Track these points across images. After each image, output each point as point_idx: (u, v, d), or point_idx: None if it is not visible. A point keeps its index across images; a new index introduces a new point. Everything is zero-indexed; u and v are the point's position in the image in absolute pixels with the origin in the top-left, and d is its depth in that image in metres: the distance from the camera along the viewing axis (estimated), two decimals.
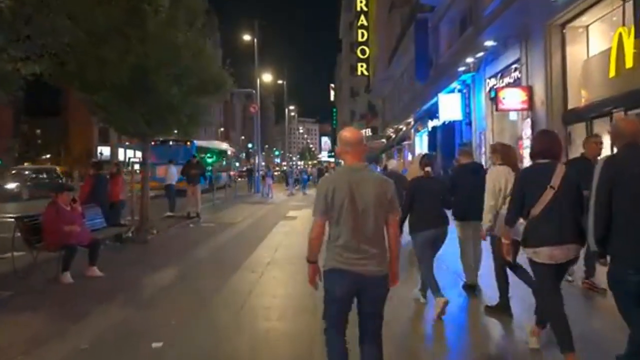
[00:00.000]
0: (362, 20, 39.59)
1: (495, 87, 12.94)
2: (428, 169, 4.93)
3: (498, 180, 4.48)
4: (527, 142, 11.05)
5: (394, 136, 33.42)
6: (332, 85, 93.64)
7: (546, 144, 3.56)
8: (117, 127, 9.01)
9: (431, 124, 21.29)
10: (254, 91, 26.26)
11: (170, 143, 20.63)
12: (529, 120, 11.04)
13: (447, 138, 18.85)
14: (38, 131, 72.78)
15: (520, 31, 11.18)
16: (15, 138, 54.75)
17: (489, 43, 11.94)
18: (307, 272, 2.84)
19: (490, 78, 13.84)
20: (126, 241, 8.97)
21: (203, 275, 6.76)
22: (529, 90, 10.91)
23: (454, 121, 17.84)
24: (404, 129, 29.18)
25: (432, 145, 21.47)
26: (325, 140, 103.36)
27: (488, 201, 4.49)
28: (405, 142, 26.26)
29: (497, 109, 11.40)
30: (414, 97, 24.98)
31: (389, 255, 2.79)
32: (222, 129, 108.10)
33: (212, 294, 5.61)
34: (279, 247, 8.84)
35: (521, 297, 4.66)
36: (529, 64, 11.06)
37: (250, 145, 55.37)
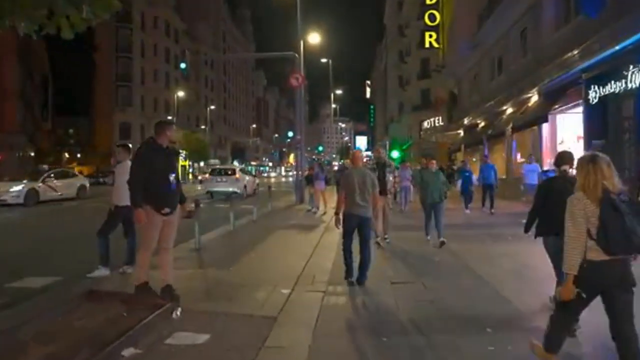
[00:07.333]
0: None
1: None
2: (566, 167, 4.32)
3: None
4: None
5: (482, 124, 24.59)
6: (368, 82, 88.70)
7: None
8: None
9: (597, 93, 12.55)
10: (296, 55, 18.06)
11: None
12: None
13: None
14: (71, 131, 76.40)
15: None
16: (22, 135, 47.43)
17: None
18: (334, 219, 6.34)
19: None
20: None
21: None
22: None
23: None
24: (509, 111, 20.40)
25: (596, 129, 12.69)
26: (361, 140, 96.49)
27: None
28: (534, 127, 17.00)
29: None
30: (542, 59, 16.29)
31: (372, 209, 6.00)
32: (254, 126, 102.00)
33: None
34: None
35: None
36: None
37: (290, 135, 47.50)
